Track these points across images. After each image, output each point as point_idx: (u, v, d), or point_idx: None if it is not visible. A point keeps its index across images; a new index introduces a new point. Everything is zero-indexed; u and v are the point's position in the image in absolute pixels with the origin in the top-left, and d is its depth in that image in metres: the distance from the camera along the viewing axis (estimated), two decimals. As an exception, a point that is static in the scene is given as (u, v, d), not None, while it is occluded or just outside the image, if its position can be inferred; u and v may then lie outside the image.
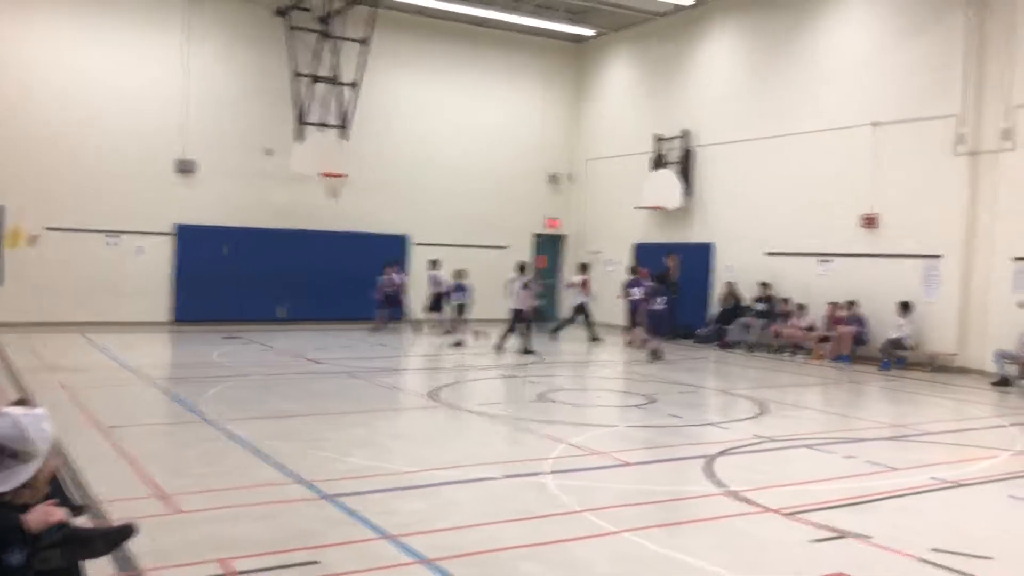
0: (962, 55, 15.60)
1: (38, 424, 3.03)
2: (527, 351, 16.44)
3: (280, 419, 9.56)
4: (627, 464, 7.92)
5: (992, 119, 15.29)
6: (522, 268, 17.33)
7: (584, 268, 21.06)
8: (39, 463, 3.01)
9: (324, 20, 20.13)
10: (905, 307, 15.84)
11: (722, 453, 8.37)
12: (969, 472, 7.89)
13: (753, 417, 10.54)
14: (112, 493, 6.32)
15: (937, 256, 15.93)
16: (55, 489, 3.37)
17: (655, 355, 16.22)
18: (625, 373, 15.04)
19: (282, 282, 20.69)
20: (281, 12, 20.69)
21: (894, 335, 15.87)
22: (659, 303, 16.58)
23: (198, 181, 20.33)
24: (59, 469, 3.41)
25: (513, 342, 16.75)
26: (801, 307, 17.75)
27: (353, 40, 20.22)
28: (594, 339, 19.20)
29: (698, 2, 20.62)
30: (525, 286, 16.82)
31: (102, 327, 18.08)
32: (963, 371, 15.44)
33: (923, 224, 16.13)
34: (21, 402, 7.72)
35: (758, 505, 6.56)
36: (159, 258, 19.94)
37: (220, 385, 11.66)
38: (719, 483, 7.21)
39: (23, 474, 2.96)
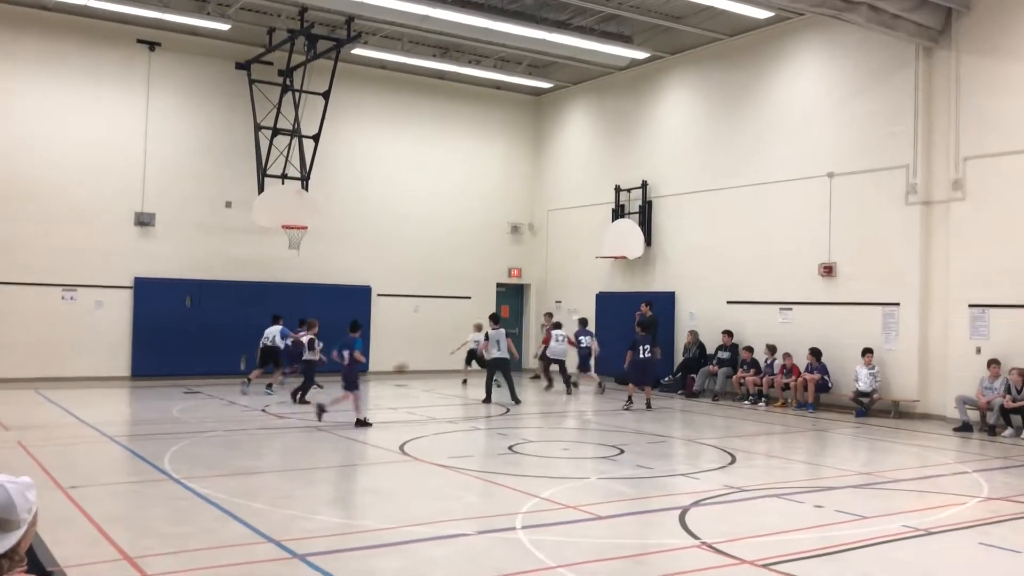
0: (912, 109, 16.11)
1: (23, 493, 2.95)
2: (487, 400, 16.83)
3: (246, 476, 9.38)
4: (599, 517, 7.87)
5: (942, 170, 15.74)
6: (479, 327, 17.66)
7: (550, 317, 21.21)
8: (22, 532, 2.92)
9: (285, 73, 20.22)
10: (868, 354, 16.10)
11: (694, 504, 8.36)
12: (939, 519, 7.96)
13: (723, 467, 10.56)
14: (76, 557, 6.14)
15: (895, 304, 16.24)
16: (28, 556, 3.27)
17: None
18: (594, 423, 15.02)
19: (244, 335, 20.42)
20: (242, 66, 20.77)
21: (862, 386, 16.08)
22: (643, 352, 16.75)
23: (158, 234, 20.15)
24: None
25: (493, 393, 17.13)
26: (772, 349, 17.91)
27: (315, 93, 20.32)
28: (569, 390, 19.14)
29: (654, 56, 21.07)
30: (486, 337, 17.29)
31: (58, 383, 17.70)
32: (925, 417, 15.68)
33: (880, 272, 16.47)
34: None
35: (733, 557, 6.55)
36: (118, 312, 19.63)
37: (183, 442, 11.43)
38: (692, 535, 7.19)
39: (5, 543, 2.87)
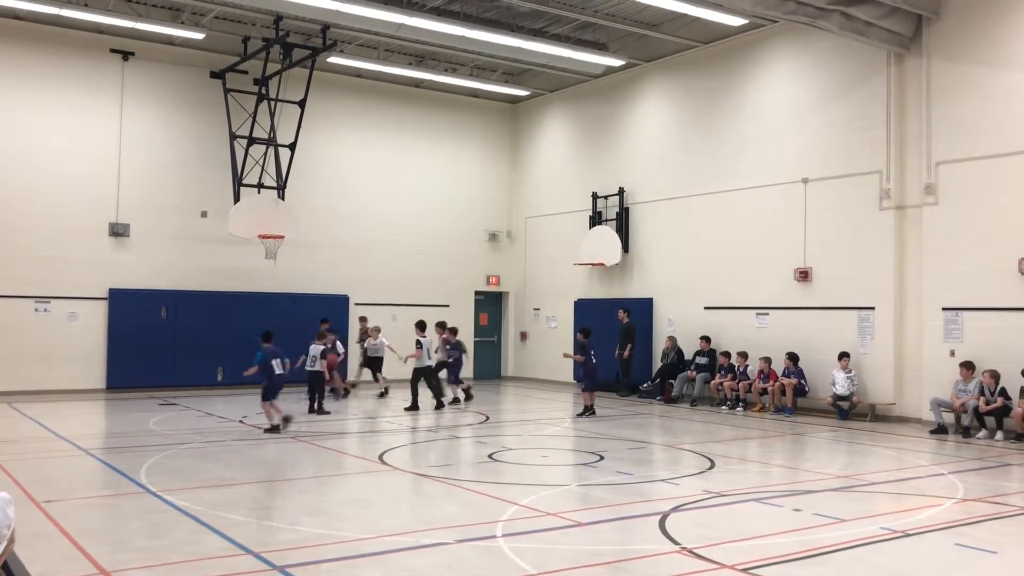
0: (885, 115, 16.28)
1: (3, 509, 2.93)
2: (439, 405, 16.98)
3: (224, 487, 9.30)
4: (580, 524, 7.86)
5: (915, 175, 15.92)
6: (422, 326, 17.35)
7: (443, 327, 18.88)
8: (2, 548, 2.90)
9: (261, 82, 20.12)
10: (845, 358, 16.23)
11: (674, 510, 8.38)
12: (916, 521, 8.03)
13: (702, 472, 10.60)
14: (52, 572, 6.06)
15: (870, 308, 16.38)
16: (4, 571, 3.24)
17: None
18: (573, 431, 15.03)
19: (220, 345, 20.30)
20: (217, 74, 20.66)
21: (839, 390, 16.20)
22: (593, 358, 16.53)
23: (133, 245, 19.99)
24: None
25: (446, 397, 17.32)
26: (744, 355, 18.02)
27: (290, 102, 20.24)
28: (439, 404, 17.19)
29: (630, 64, 21.17)
30: (418, 345, 16.96)
31: (32, 396, 17.49)
32: (901, 420, 15.82)
33: (855, 277, 16.61)
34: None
35: (713, 562, 6.57)
36: (92, 324, 19.43)
37: (159, 454, 11.32)
38: (673, 540, 7.20)
39: None
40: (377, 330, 20.10)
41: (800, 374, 17.02)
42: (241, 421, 14.88)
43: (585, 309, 22.42)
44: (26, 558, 6.20)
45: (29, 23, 18.84)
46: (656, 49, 20.62)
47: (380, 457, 11.47)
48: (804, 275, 17.44)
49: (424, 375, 17.00)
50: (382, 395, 19.20)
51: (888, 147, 16.23)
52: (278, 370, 13.71)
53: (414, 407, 16.65)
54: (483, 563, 6.56)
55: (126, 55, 19.98)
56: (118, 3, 18.22)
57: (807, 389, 16.99)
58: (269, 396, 13.55)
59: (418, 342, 16.93)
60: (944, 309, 15.27)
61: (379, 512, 8.45)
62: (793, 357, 17.10)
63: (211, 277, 20.82)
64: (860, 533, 7.52)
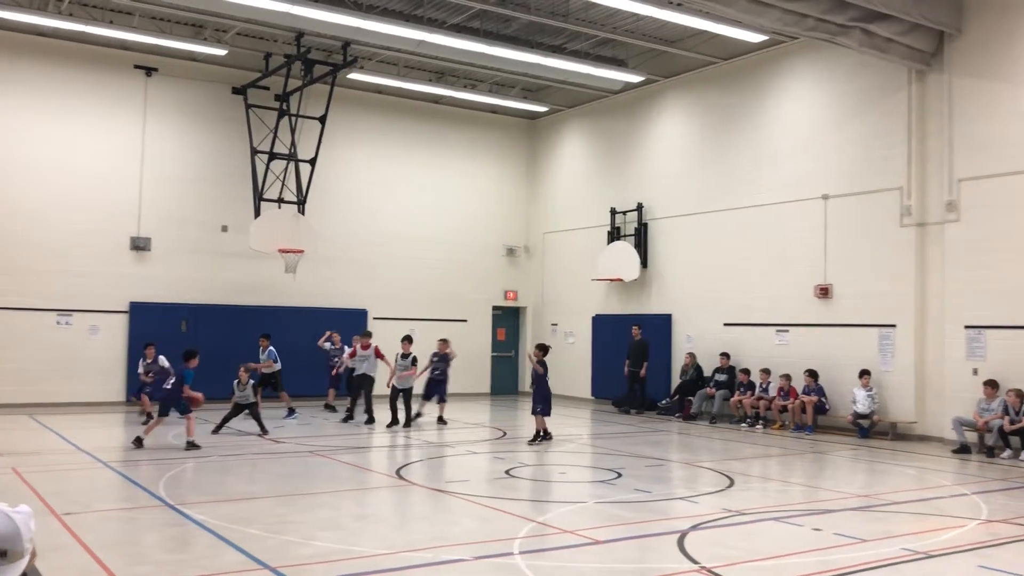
0: (906, 131, 16.20)
1: (27, 522, 2.95)
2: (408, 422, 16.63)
3: (242, 501, 9.32)
4: (597, 542, 7.81)
5: (936, 192, 15.80)
6: (409, 339, 17.34)
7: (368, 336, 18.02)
8: (25, 563, 2.92)
9: (282, 98, 20.29)
10: (865, 376, 16.10)
11: (693, 528, 8.32)
12: (938, 542, 7.92)
13: (721, 490, 10.52)
14: (70, 585, 6.08)
15: (891, 325, 16.25)
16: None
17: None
18: (590, 447, 14.96)
19: (239, 359, 20.31)
20: (239, 90, 20.85)
21: (860, 408, 16.06)
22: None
23: (154, 258, 20.15)
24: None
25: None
26: (767, 372, 17.89)
27: (311, 118, 20.40)
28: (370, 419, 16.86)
29: (649, 80, 21.19)
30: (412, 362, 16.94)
31: (53, 408, 17.60)
32: (923, 439, 15.65)
33: (876, 294, 16.49)
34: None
35: (733, 581, 6.51)
36: (113, 337, 19.57)
37: (178, 467, 11.36)
38: (691, 559, 7.14)
39: (10, 574, 2.85)
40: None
41: (820, 391, 16.88)
42: (259, 435, 14.91)
43: (603, 325, 22.38)
44: (46, 570, 6.24)
45: (54, 39, 19.09)
46: (675, 65, 20.63)
47: (397, 472, 11.46)
48: (824, 292, 17.33)
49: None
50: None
51: (909, 164, 16.13)
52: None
53: (394, 422, 16.55)
54: (500, 580, 6.53)
55: (149, 71, 20.20)
56: (142, 20, 18.44)
57: (827, 407, 16.85)
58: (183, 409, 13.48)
59: (413, 359, 16.94)
60: (967, 327, 15.12)
61: (396, 527, 8.44)
62: (813, 374, 16.98)
63: (231, 291, 20.95)
64: (881, 554, 7.43)
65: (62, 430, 14.96)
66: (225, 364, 20.42)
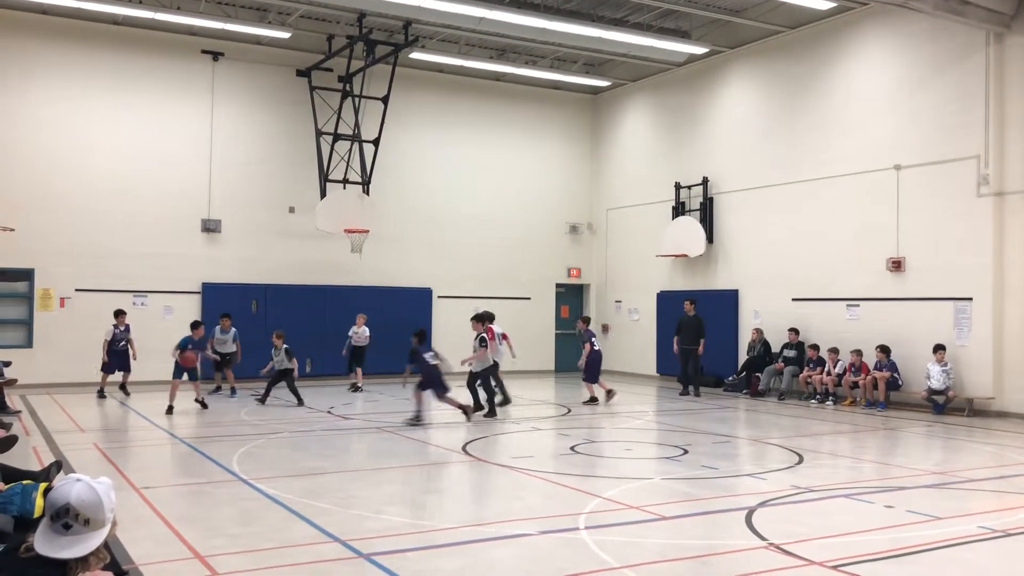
0: (983, 96, 15.63)
1: (108, 493, 3.09)
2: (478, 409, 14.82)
3: (312, 476, 9.51)
4: (664, 518, 7.78)
5: (1015, 160, 15.25)
6: (479, 318, 15.63)
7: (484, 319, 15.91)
8: (107, 531, 3.05)
9: (345, 79, 20.48)
10: (940, 351, 15.68)
11: (761, 505, 8.23)
12: (1017, 520, 7.70)
13: (790, 467, 10.38)
14: (150, 556, 6.28)
15: (967, 299, 15.78)
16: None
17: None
18: (655, 424, 14.89)
19: (307, 338, 20.71)
20: (303, 72, 21.10)
21: (934, 384, 15.67)
22: (595, 344, 17.28)
23: (224, 240, 20.59)
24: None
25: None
26: (835, 351, 17.52)
27: (374, 98, 20.56)
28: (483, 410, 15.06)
29: (713, 51, 20.81)
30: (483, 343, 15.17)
31: (131, 386, 18.13)
32: (1001, 415, 15.20)
33: (951, 266, 16.02)
34: (57, 465, 7.68)
35: (801, 558, 6.42)
36: (186, 317, 20.00)
37: (250, 443, 11.64)
38: (759, 536, 7.07)
39: (94, 541, 2.98)
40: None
41: (893, 367, 16.50)
42: (329, 411, 15.19)
43: (668, 301, 22.17)
44: (127, 541, 6.48)
45: (126, 27, 19.55)
46: (740, 35, 20.21)
47: (463, 448, 11.57)
48: (897, 265, 16.89)
49: (482, 376, 15.19)
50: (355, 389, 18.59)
51: (987, 131, 15.57)
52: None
53: (478, 409, 14.76)
54: (565, 555, 6.56)
55: (216, 55, 20.56)
56: (208, 5, 18.75)
57: (900, 383, 16.47)
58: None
59: (483, 340, 15.11)
60: (1047, 299, 14.61)
61: (461, 502, 8.53)
62: (885, 350, 16.59)
63: (299, 271, 21.31)
64: (956, 532, 7.26)
65: (139, 407, 15.43)
66: (295, 342, 20.85)
